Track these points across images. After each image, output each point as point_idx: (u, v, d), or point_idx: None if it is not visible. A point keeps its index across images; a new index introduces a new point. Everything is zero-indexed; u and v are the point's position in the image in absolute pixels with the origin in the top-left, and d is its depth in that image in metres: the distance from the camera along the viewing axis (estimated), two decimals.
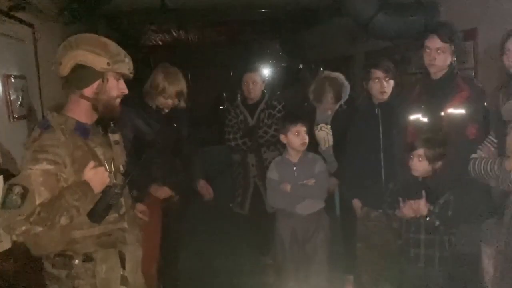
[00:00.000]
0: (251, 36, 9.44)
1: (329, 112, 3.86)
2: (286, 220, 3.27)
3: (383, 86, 3.17)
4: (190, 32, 8.92)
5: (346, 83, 3.94)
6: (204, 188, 3.62)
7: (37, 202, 1.83)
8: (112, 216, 2.05)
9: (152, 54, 9.00)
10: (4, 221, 1.83)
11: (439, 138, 2.73)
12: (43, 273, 2.05)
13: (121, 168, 2.19)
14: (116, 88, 2.05)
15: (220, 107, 11.20)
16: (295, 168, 3.25)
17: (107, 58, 1.98)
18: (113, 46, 2.04)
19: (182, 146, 3.50)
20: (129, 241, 2.13)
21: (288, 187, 3.19)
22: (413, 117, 2.92)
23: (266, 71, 9.72)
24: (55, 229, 1.87)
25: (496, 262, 2.47)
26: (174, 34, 8.87)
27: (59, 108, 2.03)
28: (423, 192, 2.64)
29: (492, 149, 2.55)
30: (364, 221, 3.28)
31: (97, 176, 1.97)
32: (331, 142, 3.85)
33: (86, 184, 1.93)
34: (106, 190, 1.98)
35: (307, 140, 3.23)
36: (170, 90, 3.20)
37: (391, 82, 3.20)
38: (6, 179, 2.67)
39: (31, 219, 1.80)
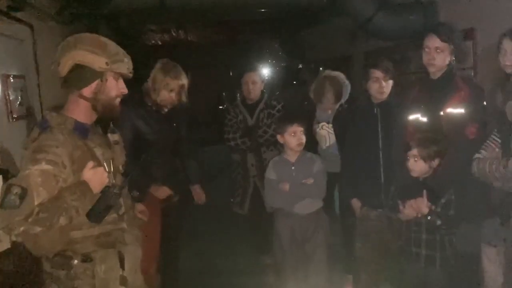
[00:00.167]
0: (251, 36, 9.43)
1: (330, 111, 3.87)
2: (285, 219, 3.27)
3: (381, 86, 3.16)
4: (189, 32, 8.88)
5: (347, 82, 3.95)
6: (198, 193, 3.64)
7: (36, 202, 1.82)
8: (111, 216, 2.04)
9: (151, 54, 8.99)
10: (3, 221, 1.82)
11: (432, 136, 2.70)
12: (42, 273, 2.04)
13: (121, 168, 2.18)
14: (115, 88, 2.04)
15: (220, 106, 11.23)
16: (293, 167, 3.25)
17: (106, 58, 1.97)
18: (112, 45, 2.03)
19: (181, 146, 3.50)
20: (128, 241, 2.12)
21: (286, 187, 3.19)
22: (412, 116, 2.91)
23: (265, 71, 9.72)
24: (54, 229, 1.86)
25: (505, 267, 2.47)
26: (174, 34, 8.83)
27: (58, 108, 2.03)
28: (424, 191, 2.63)
29: (497, 149, 2.54)
30: (364, 220, 3.27)
31: (96, 176, 1.96)
32: (332, 141, 3.85)
33: (85, 184, 1.93)
34: (105, 191, 1.98)
35: (303, 141, 3.22)
36: (172, 83, 3.19)
37: (390, 82, 3.20)
38: (5, 179, 2.68)
39: (30, 219, 1.80)
